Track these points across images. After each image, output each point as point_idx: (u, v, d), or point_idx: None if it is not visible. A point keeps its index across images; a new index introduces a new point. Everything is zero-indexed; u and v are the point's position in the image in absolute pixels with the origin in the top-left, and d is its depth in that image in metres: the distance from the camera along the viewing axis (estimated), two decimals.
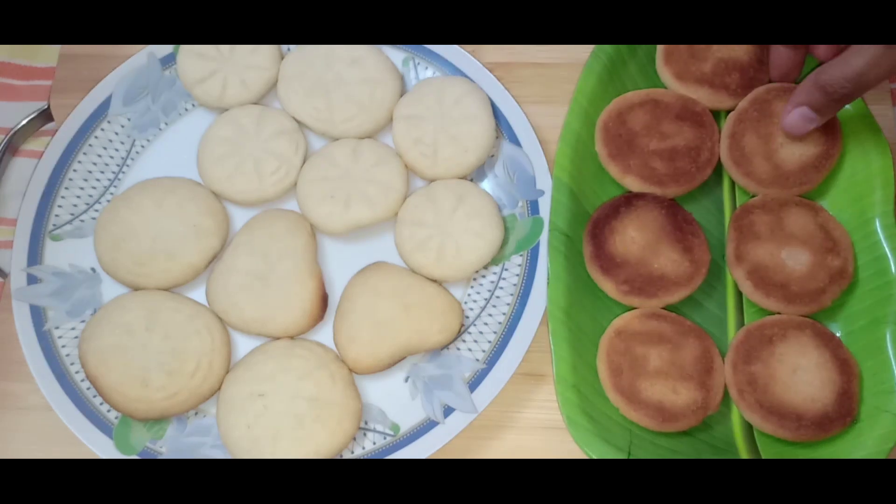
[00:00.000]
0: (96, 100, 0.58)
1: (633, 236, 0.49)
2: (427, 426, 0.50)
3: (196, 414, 0.51)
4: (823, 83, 0.44)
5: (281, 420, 0.48)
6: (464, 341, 0.52)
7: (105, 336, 0.50)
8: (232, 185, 0.55)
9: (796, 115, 0.47)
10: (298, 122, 0.57)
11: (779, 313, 0.48)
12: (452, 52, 0.58)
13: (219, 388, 0.51)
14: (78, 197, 0.56)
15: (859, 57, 0.42)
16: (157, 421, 0.50)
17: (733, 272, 0.49)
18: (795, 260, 0.48)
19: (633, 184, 0.51)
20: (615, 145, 0.51)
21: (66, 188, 0.56)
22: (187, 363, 0.50)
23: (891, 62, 0.41)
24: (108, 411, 0.51)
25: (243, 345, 0.53)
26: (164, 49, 0.59)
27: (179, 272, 0.53)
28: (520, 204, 0.55)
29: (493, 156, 0.56)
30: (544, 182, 0.54)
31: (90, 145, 0.57)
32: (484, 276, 0.54)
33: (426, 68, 0.59)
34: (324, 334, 0.53)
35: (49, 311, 0.53)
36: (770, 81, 0.53)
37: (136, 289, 0.53)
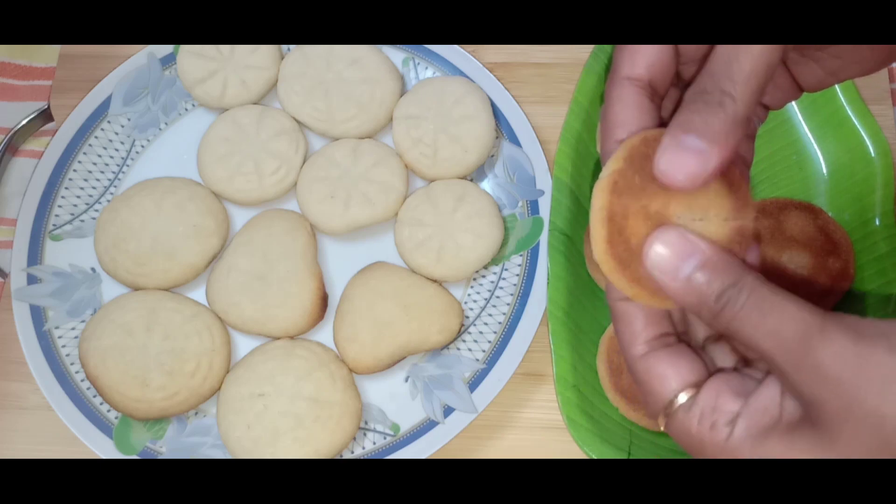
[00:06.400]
0: (96, 100, 0.58)
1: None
2: (427, 426, 0.50)
3: (196, 414, 0.51)
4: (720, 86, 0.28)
5: (281, 420, 0.48)
6: (464, 341, 0.52)
7: (105, 336, 0.50)
8: (232, 185, 0.55)
9: (675, 148, 0.27)
10: (298, 122, 0.57)
11: None
12: (452, 52, 0.58)
13: (219, 388, 0.51)
14: (78, 197, 0.56)
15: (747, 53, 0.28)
16: (157, 421, 0.50)
17: None
18: (796, 263, 0.48)
19: None
20: None
21: (66, 188, 0.56)
22: (187, 363, 0.50)
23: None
24: (108, 411, 0.51)
25: (243, 345, 0.53)
26: (164, 49, 0.59)
27: (179, 272, 0.53)
28: (520, 204, 0.55)
29: (493, 156, 0.56)
30: (544, 182, 0.54)
31: (90, 145, 0.57)
32: (484, 276, 0.54)
33: (426, 68, 0.59)
34: (324, 334, 0.53)
35: (49, 311, 0.53)
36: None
37: (136, 289, 0.53)
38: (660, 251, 0.28)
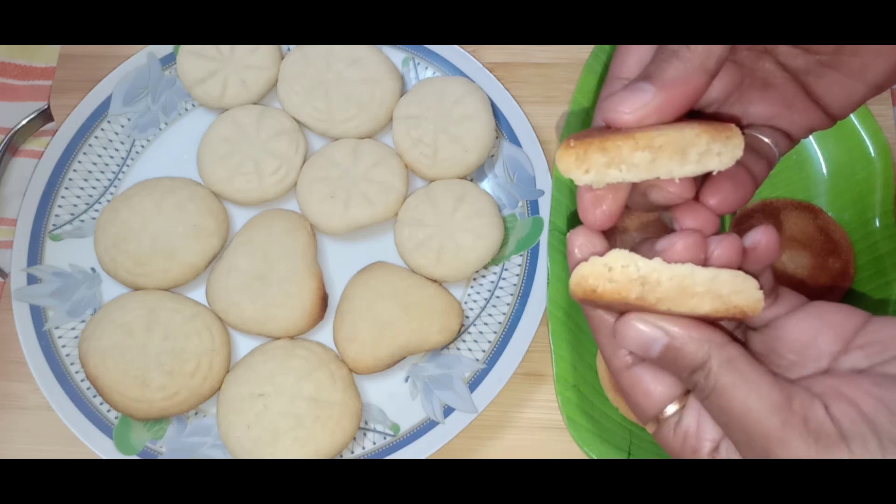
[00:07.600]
0: (96, 100, 0.58)
1: (635, 237, 0.49)
2: (427, 426, 0.50)
3: (196, 414, 0.51)
4: None
5: (281, 420, 0.48)
6: (464, 341, 0.52)
7: (105, 336, 0.50)
8: (232, 185, 0.55)
9: (626, 89, 0.29)
10: (298, 122, 0.57)
11: None
12: (452, 52, 0.58)
13: (219, 388, 0.51)
14: (78, 197, 0.56)
15: None
16: (157, 421, 0.50)
17: None
18: (796, 263, 0.48)
19: None
20: None
21: (66, 188, 0.56)
22: (187, 363, 0.50)
23: None
24: (108, 411, 0.51)
25: (243, 345, 0.53)
26: (164, 49, 0.59)
27: (179, 272, 0.53)
28: (520, 204, 0.55)
29: (493, 156, 0.56)
30: (544, 182, 0.54)
31: (90, 145, 0.57)
32: (484, 276, 0.54)
33: (426, 68, 0.59)
34: (324, 334, 0.53)
35: (49, 311, 0.53)
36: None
37: (136, 289, 0.53)
38: (628, 334, 0.29)
